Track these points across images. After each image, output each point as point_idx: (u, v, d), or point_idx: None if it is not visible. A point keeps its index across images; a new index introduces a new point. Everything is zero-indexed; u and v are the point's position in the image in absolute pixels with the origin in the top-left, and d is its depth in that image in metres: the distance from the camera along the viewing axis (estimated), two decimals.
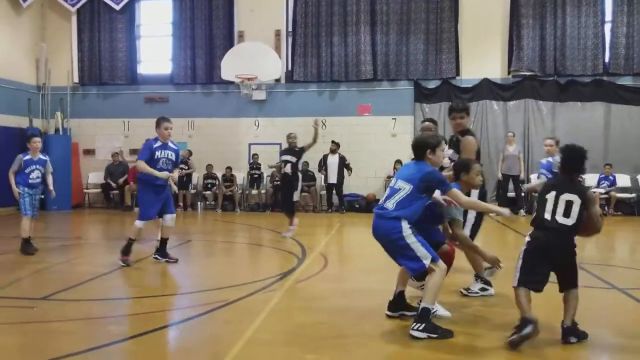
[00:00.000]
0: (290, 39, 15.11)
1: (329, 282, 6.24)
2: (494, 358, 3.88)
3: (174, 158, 7.16)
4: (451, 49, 14.50)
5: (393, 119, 14.68)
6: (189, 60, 15.38)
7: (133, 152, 14.32)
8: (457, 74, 14.51)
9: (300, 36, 14.91)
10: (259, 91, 14.83)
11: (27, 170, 7.89)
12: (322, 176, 14.35)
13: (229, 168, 14.76)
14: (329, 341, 4.16)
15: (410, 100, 14.64)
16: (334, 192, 14.07)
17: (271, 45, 14.63)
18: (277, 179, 12.94)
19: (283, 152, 9.76)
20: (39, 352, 3.86)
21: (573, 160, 4.31)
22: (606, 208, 13.46)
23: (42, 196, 13.99)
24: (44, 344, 4.08)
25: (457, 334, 4.25)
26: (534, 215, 4.29)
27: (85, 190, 15.60)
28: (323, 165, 14.12)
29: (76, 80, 15.86)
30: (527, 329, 3.88)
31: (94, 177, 15.50)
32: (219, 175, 14.79)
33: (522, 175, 13.72)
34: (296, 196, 9.36)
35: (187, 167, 14.68)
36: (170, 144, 7.18)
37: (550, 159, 8.21)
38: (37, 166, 8.01)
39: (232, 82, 14.42)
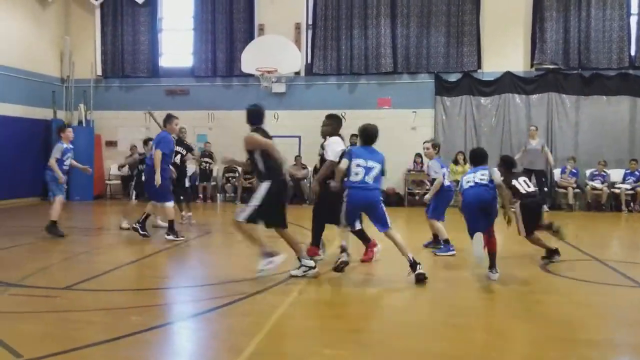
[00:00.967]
0: (310, 32, 15.07)
1: (348, 276, 6.23)
2: (514, 354, 3.84)
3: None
4: (472, 42, 14.32)
5: (413, 112, 14.57)
6: (210, 53, 15.43)
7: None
8: (479, 67, 14.33)
9: (320, 29, 14.86)
10: (279, 84, 14.83)
11: (63, 158, 8.69)
12: None
13: (249, 160, 14.78)
14: (348, 336, 4.16)
15: (431, 94, 14.52)
16: None
17: (291, 38, 14.60)
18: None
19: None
20: (62, 341, 3.92)
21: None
22: (632, 204, 13.22)
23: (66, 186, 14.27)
24: (66, 333, 4.14)
25: (475, 329, 4.21)
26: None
27: (107, 182, 15.80)
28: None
29: (99, 72, 16.03)
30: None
31: (116, 168, 15.67)
32: (239, 167, 14.83)
33: (547, 169, 13.54)
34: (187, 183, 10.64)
35: (211, 160, 14.77)
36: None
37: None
38: (70, 154, 8.88)
39: (252, 75, 14.43)
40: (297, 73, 14.87)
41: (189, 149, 10.24)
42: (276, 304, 4.92)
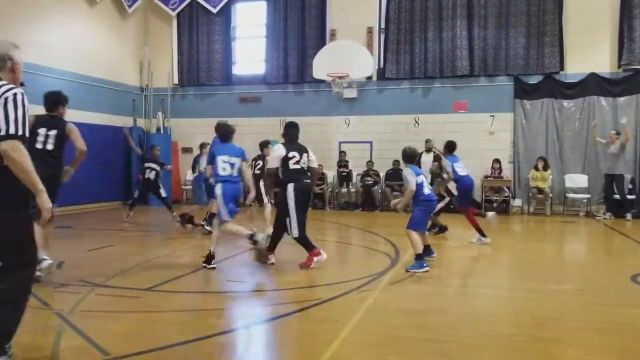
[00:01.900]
0: (382, 36, 14.93)
1: (424, 285, 6.04)
2: None
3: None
4: (554, 42, 13.67)
5: (491, 116, 14.08)
6: (282, 60, 15.60)
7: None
8: (561, 68, 13.67)
9: (392, 32, 14.68)
10: (350, 89, 14.76)
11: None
12: None
13: (320, 166, 14.78)
14: (427, 346, 4.00)
15: (510, 97, 13.99)
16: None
17: (363, 43, 14.52)
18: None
19: (147, 160, 11.71)
20: (145, 340, 3.99)
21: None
22: None
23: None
24: (148, 332, 4.22)
25: (562, 343, 3.93)
26: None
27: (183, 187, 16.28)
28: (417, 164, 13.69)
29: (176, 81, 16.58)
30: None
31: (191, 174, 16.09)
32: None
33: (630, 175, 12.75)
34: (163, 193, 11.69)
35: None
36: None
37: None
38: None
39: (323, 81, 14.46)
40: (369, 78, 14.76)
41: (162, 165, 11.75)
42: (352, 310, 4.83)
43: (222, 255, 7.26)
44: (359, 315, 4.70)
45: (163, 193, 11.83)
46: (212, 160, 6.81)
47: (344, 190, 14.68)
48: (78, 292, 5.31)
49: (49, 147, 5.70)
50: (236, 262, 7.18)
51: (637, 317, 4.80)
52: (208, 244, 6.79)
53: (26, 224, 3.34)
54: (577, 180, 13.47)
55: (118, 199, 15.28)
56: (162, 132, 16.10)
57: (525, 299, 5.48)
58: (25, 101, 3.25)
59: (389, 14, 14.71)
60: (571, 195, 13.41)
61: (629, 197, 12.64)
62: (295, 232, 6.56)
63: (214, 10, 16.04)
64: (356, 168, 14.70)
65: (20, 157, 3.14)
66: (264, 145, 9.47)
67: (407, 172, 6.78)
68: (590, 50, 13.50)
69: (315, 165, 6.84)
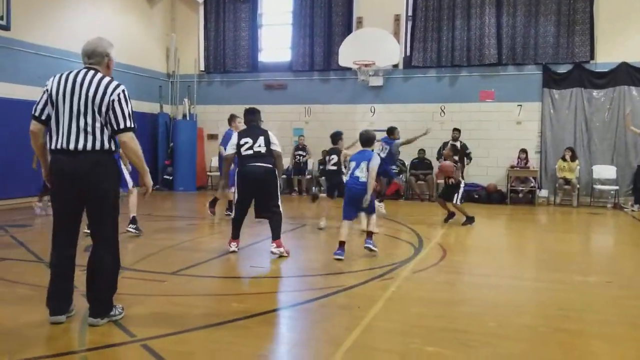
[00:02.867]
0: (409, 24, 14.77)
1: (448, 274, 6.01)
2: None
3: None
4: (585, 31, 13.36)
5: (518, 105, 13.86)
6: (308, 47, 15.56)
7: None
8: (592, 57, 13.36)
9: (420, 20, 14.51)
10: (376, 77, 14.66)
11: None
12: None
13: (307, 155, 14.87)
14: (450, 335, 3.98)
15: (538, 86, 13.73)
16: None
17: (390, 31, 14.38)
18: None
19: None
20: (170, 323, 4.05)
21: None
22: None
23: (170, 177, 14.90)
24: (173, 316, 4.28)
25: (588, 336, 3.87)
26: None
27: (208, 173, 16.42)
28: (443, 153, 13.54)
29: (202, 68, 16.67)
30: None
31: (216, 161, 16.24)
32: None
33: None
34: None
35: (304, 153, 14.95)
36: None
37: None
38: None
39: (349, 69, 14.38)
40: (395, 66, 14.63)
41: None
42: (374, 298, 4.83)
43: (246, 241, 7.32)
44: (381, 303, 4.70)
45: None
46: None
47: None
48: None
49: None
50: (259, 249, 7.23)
51: None
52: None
53: (118, 199, 3.99)
54: (605, 171, 13.20)
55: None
56: (187, 118, 16.23)
57: (551, 290, 5.41)
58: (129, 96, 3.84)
59: (417, 2, 14.54)
60: (599, 186, 13.16)
61: None
62: (233, 214, 6.80)
63: None
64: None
65: (136, 145, 3.81)
66: (338, 137, 9.00)
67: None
68: (621, 38, 13.16)
69: (276, 148, 6.59)
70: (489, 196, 13.43)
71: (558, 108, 13.63)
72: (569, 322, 4.37)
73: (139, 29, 15.61)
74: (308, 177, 15.25)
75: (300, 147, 15.00)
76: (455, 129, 13.47)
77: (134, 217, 7.81)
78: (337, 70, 15.05)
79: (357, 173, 6.60)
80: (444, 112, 14.27)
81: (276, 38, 16.47)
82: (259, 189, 6.51)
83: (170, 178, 15.65)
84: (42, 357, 3.43)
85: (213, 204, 9.93)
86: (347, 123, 15.28)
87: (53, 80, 3.82)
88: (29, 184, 11.07)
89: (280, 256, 6.49)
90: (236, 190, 6.63)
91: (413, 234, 8.46)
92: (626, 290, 5.44)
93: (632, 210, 12.19)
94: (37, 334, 3.77)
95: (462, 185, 9.43)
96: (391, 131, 10.81)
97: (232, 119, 9.68)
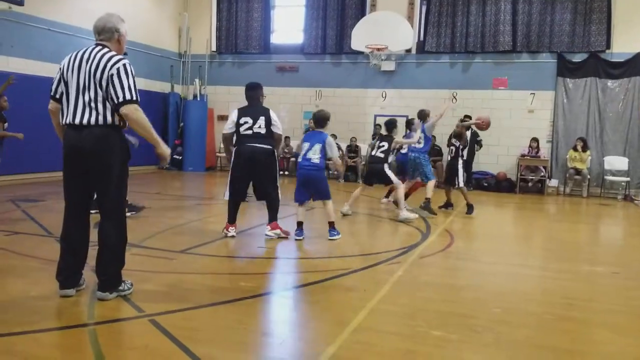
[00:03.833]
0: (424, 8, 14.61)
1: (455, 260, 6.02)
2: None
3: None
4: (602, 19, 13.18)
5: (531, 94, 13.74)
6: (320, 30, 15.46)
7: None
8: (608, 46, 13.18)
9: (435, 5, 14.36)
10: (388, 62, 14.56)
11: None
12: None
13: (354, 138, 14.77)
14: (456, 319, 3.99)
15: (552, 75, 13.59)
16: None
17: (404, 15, 14.24)
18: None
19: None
20: (178, 300, 4.09)
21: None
22: None
23: (180, 157, 14.93)
24: (181, 293, 4.33)
25: (592, 325, 3.86)
26: None
27: (217, 154, 16.46)
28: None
29: (214, 48, 16.62)
30: None
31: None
32: (343, 145, 14.84)
33: None
34: None
35: None
36: None
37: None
38: None
39: (361, 53, 14.29)
40: (408, 51, 14.51)
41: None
42: (381, 281, 4.85)
43: (256, 222, 7.36)
44: (387, 286, 4.72)
45: None
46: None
47: None
48: None
49: None
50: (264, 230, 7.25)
51: None
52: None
53: (126, 177, 4.02)
54: (617, 162, 13.10)
55: (153, 163, 15.54)
56: (198, 98, 16.23)
57: (557, 278, 5.41)
58: (133, 69, 3.81)
59: None
60: (610, 177, 13.06)
61: None
62: (226, 195, 6.51)
63: None
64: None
65: (140, 117, 3.75)
66: (393, 125, 8.69)
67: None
68: (638, 29, 12.96)
69: (276, 130, 6.41)
70: (498, 184, 13.38)
71: (571, 97, 13.50)
72: (575, 310, 4.37)
73: (151, 8, 15.56)
74: None
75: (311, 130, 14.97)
76: (466, 116, 13.34)
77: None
78: (349, 53, 14.96)
79: (310, 154, 6.46)
80: (455, 99, 14.18)
81: (289, 20, 16.37)
82: (257, 171, 6.33)
83: (180, 158, 15.70)
84: (51, 330, 3.48)
85: None
86: (358, 107, 15.25)
87: (65, 59, 3.89)
88: (40, 158, 11.15)
89: (279, 237, 6.49)
90: (231, 168, 6.42)
91: (421, 219, 8.46)
92: (633, 281, 5.43)
93: None
94: (47, 306, 3.83)
95: (460, 166, 9.19)
96: (424, 115, 9.41)
97: None
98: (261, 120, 6.31)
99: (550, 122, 13.68)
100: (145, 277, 4.61)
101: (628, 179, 12.93)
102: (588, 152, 13.02)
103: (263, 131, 6.30)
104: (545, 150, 13.55)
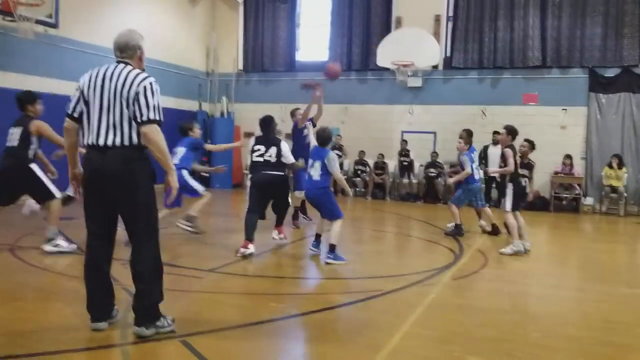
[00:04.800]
0: (450, 24, 14.54)
1: (490, 282, 5.87)
2: None
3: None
4: (634, 33, 12.90)
5: (563, 109, 13.47)
6: (345, 47, 15.49)
7: (287, 136, 14.88)
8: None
9: (461, 20, 14.26)
10: (415, 78, 14.47)
11: None
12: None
13: (381, 155, 14.68)
14: (493, 344, 3.86)
15: (584, 90, 13.34)
16: (494, 186, 12.88)
17: (430, 31, 14.18)
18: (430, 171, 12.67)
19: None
20: (206, 320, 4.06)
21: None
22: None
23: (207, 174, 14.95)
24: (210, 313, 4.29)
25: (635, 350, 3.70)
26: None
27: (244, 171, 16.51)
28: (483, 157, 13.05)
29: (241, 67, 16.78)
30: None
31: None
32: (371, 162, 14.77)
33: None
34: None
35: (341, 154, 14.87)
36: None
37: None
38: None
39: (387, 69, 14.24)
40: (435, 67, 14.42)
41: None
42: (414, 303, 4.74)
43: (279, 241, 7.30)
44: (420, 309, 4.60)
45: None
46: None
47: (405, 180, 14.46)
48: None
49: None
50: (299, 248, 7.20)
51: None
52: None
53: (154, 198, 3.75)
54: None
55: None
56: (225, 116, 16.36)
57: (596, 301, 5.23)
58: (159, 88, 3.67)
59: (458, 1, 14.30)
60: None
61: None
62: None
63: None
64: (418, 158, 14.46)
65: (159, 139, 3.58)
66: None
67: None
68: None
69: (285, 161, 6.75)
70: (531, 203, 13.07)
71: (605, 113, 13.20)
72: (615, 334, 4.21)
73: (180, 28, 15.81)
74: (344, 177, 15.15)
75: (337, 147, 14.94)
76: (495, 132, 13.15)
77: None
78: (375, 70, 14.92)
79: (312, 172, 6.47)
80: (485, 115, 14.00)
81: (314, 38, 16.46)
82: (269, 193, 6.75)
83: (207, 175, 15.79)
84: (82, 350, 3.47)
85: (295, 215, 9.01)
86: (385, 124, 15.18)
87: (85, 77, 3.73)
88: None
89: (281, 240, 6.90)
90: (248, 192, 6.82)
91: (452, 239, 8.30)
92: None
93: None
94: (81, 326, 3.80)
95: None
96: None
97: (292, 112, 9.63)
98: (272, 150, 6.75)
99: (583, 139, 13.37)
100: (175, 296, 4.58)
101: None
102: (624, 169, 12.67)
103: (273, 160, 6.70)
104: (579, 168, 13.25)
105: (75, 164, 3.90)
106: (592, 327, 4.43)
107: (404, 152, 14.53)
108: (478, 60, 14.14)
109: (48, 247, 6.16)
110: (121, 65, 3.70)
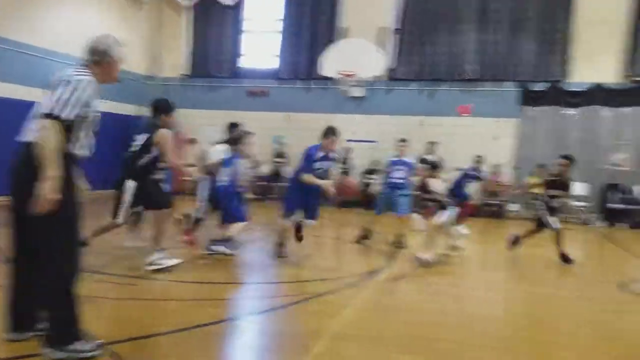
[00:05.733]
0: (395, 36, 14.93)
1: (418, 285, 6.11)
2: None
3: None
4: (563, 50, 13.68)
5: (495, 121, 14.10)
6: (291, 55, 15.65)
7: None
8: (567, 76, 13.68)
9: (407, 33, 14.69)
10: (358, 88, 14.78)
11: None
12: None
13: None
14: (421, 343, 4.05)
15: (516, 103, 14.01)
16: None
17: (375, 42, 14.52)
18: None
19: None
20: (138, 327, 4.05)
21: None
22: None
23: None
24: (142, 320, 4.28)
25: (560, 347, 3.97)
26: None
27: (186, 178, 16.29)
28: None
29: (185, 72, 16.63)
30: None
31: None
32: None
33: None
34: None
35: (283, 160, 14.93)
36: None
37: None
38: None
39: (331, 78, 14.46)
40: (378, 77, 14.76)
41: None
42: (345, 305, 4.89)
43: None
44: (351, 310, 4.76)
45: None
46: None
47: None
48: None
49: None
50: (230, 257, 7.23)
51: (633, 324, 4.86)
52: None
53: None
54: (576, 188, 13.43)
55: (110, 187, 15.35)
56: None
57: (522, 300, 5.53)
58: (86, 89, 3.26)
59: (404, 15, 14.71)
60: (570, 202, 13.39)
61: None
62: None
63: (231, 3, 16.00)
64: (362, 167, 14.74)
65: (46, 137, 3.08)
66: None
67: None
68: (597, 59, 13.48)
69: None
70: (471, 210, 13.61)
71: (534, 125, 13.91)
72: (543, 334, 4.48)
73: (123, 31, 15.49)
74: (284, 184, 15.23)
75: (279, 154, 15.04)
76: (429, 142, 13.57)
77: None
78: (318, 79, 15.11)
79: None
80: (423, 125, 14.45)
81: (260, 45, 16.51)
82: None
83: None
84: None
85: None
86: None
87: None
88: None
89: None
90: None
91: (386, 244, 8.52)
92: (591, 302, 5.57)
93: (598, 227, 12.58)
94: None
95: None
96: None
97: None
98: None
99: (513, 149, 14.03)
100: (104, 304, 4.55)
101: (587, 204, 13.26)
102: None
103: None
104: (508, 176, 13.85)
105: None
106: (517, 325, 4.70)
107: (344, 160, 14.76)
108: (419, 72, 14.60)
109: None
110: (72, 69, 3.36)
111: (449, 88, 14.51)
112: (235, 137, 6.77)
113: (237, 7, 16.22)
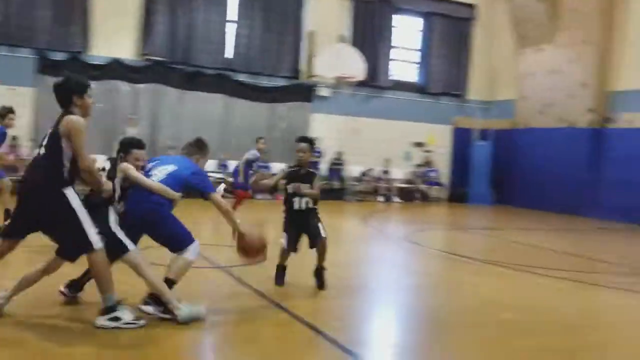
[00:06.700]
0: None
1: None
2: None
3: None
4: (82, 21, 13.81)
5: (11, 89, 12.93)
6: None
7: None
8: (88, 49, 13.92)
9: None
10: None
11: None
12: None
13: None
14: None
15: (33, 71, 13.39)
16: None
17: None
18: None
19: None
20: None
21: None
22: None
23: None
24: None
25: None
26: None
27: None
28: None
29: None
30: None
31: None
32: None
33: None
34: None
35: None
36: None
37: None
38: None
39: None
40: None
41: None
42: None
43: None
44: None
45: None
46: None
47: None
48: None
49: None
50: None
51: None
52: None
53: None
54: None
55: None
56: None
57: None
58: None
59: None
60: None
61: None
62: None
63: None
64: None
65: None
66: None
67: None
68: (116, 35, 14.22)
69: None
70: None
71: (52, 96, 13.61)
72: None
73: None
74: None
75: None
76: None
77: None
78: None
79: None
80: None
81: None
82: None
83: None
84: None
85: None
86: None
87: None
88: None
89: None
90: None
91: None
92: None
93: None
94: None
95: None
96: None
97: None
98: None
99: (33, 120, 13.32)
100: None
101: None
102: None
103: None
104: (27, 150, 12.99)
105: None
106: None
107: None
108: None
109: None
110: None
111: None
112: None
113: None
